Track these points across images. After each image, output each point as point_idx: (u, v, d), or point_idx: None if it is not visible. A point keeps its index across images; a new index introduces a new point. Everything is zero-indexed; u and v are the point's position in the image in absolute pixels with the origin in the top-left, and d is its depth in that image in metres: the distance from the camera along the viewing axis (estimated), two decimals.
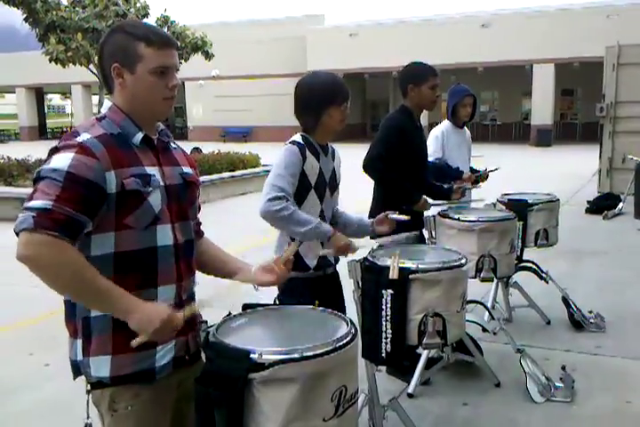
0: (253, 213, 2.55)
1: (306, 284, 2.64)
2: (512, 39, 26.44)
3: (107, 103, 1.80)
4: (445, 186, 4.17)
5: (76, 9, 14.63)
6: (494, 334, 4.14)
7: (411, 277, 2.52)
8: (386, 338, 2.56)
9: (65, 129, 41.69)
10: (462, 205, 4.13)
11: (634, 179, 9.61)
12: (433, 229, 3.82)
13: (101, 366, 1.71)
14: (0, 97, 50.39)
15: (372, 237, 2.99)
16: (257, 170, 13.73)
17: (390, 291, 2.52)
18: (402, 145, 3.61)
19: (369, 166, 3.59)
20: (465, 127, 4.67)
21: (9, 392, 3.80)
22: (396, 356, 2.60)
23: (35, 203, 1.53)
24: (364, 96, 34.31)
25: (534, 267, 4.89)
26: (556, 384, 3.60)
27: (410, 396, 3.59)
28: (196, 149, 16.33)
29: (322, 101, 2.63)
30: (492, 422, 3.35)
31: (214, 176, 12.46)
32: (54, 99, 69.25)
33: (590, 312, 4.77)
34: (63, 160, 1.59)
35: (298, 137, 2.69)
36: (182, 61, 16.17)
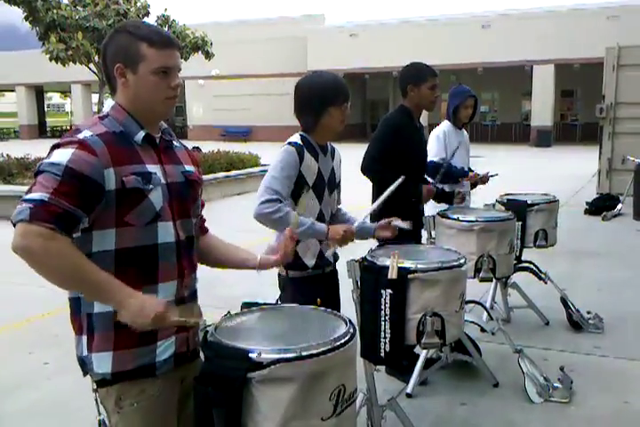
0: (252, 212, 2.55)
1: (305, 283, 2.65)
2: (512, 40, 26.46)
3: (109, 102, 1.82)
4: (446, 188, 4.17)
5: (77, 8, 14.63)
6: (493, 334, 4.14)
7: (409, 276, 2.52)
8: (384, 338, 2.56)
9: (65, 128, 41.71)
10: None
11: (633, 180, 9.63)
12: (432, 229, 3.83)
13: (103, 361, 1.72)
14: (0, 95, 50.37)
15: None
16: (256, 169, 13.74)
17: (389, 291, 2.52)
18: (398, 144, 3.61)
19: (367, 169, 3.59)
20: (463, 129, 4.67)
21: (9, 391, 3.80)
22: (395, 356, 2.61)
23: (32, 195, 1.55)
24: (364, 96, 34.32)
25: (533, 267, 4.89)
26: (555, 385, 3.61)
27: (408, 396, 3.59)
28: (196, 149, 16.33)
29: (322, 101, 2.63)
30: (490, 423, 3.35)
31: (214, 175, 12.48)
32: (54, 97, 69.23)
33: (589, 313, 4.78)
34: (63, 155, 1.62)
35: (296, 137, 2.69)
36: (182, 61, 16.08)
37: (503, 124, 32.24)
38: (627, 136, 11.12)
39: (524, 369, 3.65)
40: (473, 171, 4.60)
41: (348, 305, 2.73)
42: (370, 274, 2.60)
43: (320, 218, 2.71)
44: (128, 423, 1.77)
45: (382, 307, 2.54)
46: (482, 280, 3.80)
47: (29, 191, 1.57)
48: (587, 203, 10.08)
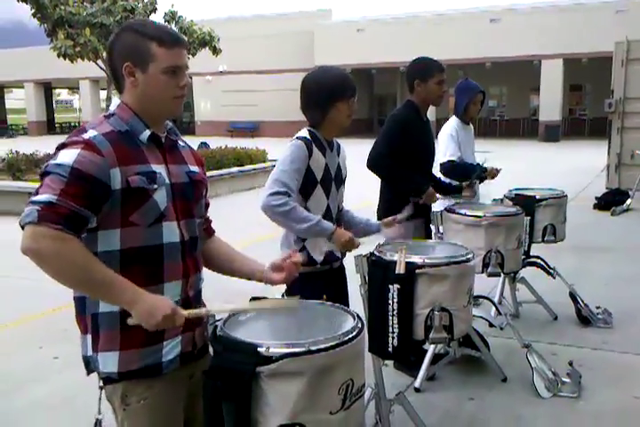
0: (258, 204, 2.56)
1: (313, 278, 2.65)
2: (521, 34, 26.31)
3: (115, 101, 1.82)
4: (453, 183, 4.17)
5: (84, 4, 14.65)
6: (501, 329, 4.14)
7: (417, 271, 2.52)
8: (392, 333, 2.57)
9: (73, 124, 41.87)
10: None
11: None
12: (440, 225, 3.82)
13: (109, 361, 1.72)
14: (9, 92, 50.57)
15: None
16: (264, 165, 13.76)
17: (397, 286, 2.52)
18: (405, 139, 3.60)
19: (373, 165, 3.58)
20: (470, 123, 4.66)
21: (19, 385, 3.83)
22: (403, 350, 2.61)
23: (40, 197, 1.56)
24: (372, 91, 34.25)
25: (541, 262, 4.88)
26: (563, 379, 3.60)
27: (416, 390, 3.60)
28: (204, 144, 16.36)
29: (329, 96, 2.63)
30: (498, 417, 3.36)
31: (222, 171, 12.50)
32: (62, 94, 69.42)
33: (598, 308, 4.76)
34: (69, 156, 1.61)
35: (304, 132, 2.70)
36: (190, 56, 16.15)
37: (511, 119, 32.11)
38: (636, 131, 11.05)
39: (533, 364, 3.65)
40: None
41: (356, 300, 2.73)
42: (378, 269, 2.60)
43: (327, 213, 2.72)
44: (134, 420, 1.77)
45: (390, 302, 2.55)
46: (490, 275, 3.79)
47: (36, 193, 1.58)
48: (596, 198, 10.04)
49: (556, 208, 4.62)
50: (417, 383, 3.63)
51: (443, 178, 4.20)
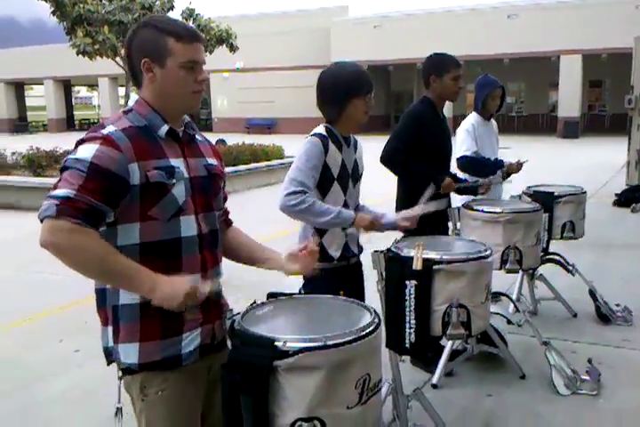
0: (277, 204, 2.57)
1: (330, 274, 2.65)
2: (539, 30, 26.06)
3: (134, 97, 1.83)
4: (470, 180, 4.15)
5: (103, 2, 14.74)
6: (519, 326, 4.11)
7: (434, 267, 2.51)
8: (410, 328, 2.56)
9: (92, 121, 42.24)
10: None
11: None
12: (457, 221, 3.81)
13: (130, 353, 1.74)
14: (29, 89, 51.13)
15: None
16: (281, 161, 13.79)
17: (414, 282, 2.52)
18: (421, 135, 3.58)
19: (386, 160, 3.57)
20: (492, 119, 4.63)
21: (40, 378, 3.88)
22: (420, 346, 2.61)
23: (58, 191, 1.58)
24: (389, 88, 34.13)
25: (560, 259, 4.85)
26: (582, 377, 3.58)
27: (434, 387, 3.59)
28: (221, 141, 16.42)
29: (346, 92, 2.62)
30: (516, 415, 3.34)
31: (239, 167, 12.55)
32: (81, 91, 70.02)
33: (617, 305, 4.72)
34: (88, 151, 1.63)
35: (321, 128, 2.69)
36: (207, 54, 16.20)
37: (530, 116, 31.84)
38: None
39: (552, 361, 3.63)
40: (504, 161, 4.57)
41: (373, 296, 2.73)
42: (394, 265, 2.59)
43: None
44: (152, 411, 1.79)
45: (407, 298, 2.54)
46: (508, 272, 3.76)
47: (55, 188, 1.60)
48: (615, 194, 9.94)
49: (575, 205, 4.58)
50: (434, 379, 3.62)
51: (460, 174, 4.18)
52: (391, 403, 2.89)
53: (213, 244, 1.88)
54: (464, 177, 4.18)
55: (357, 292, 2.82)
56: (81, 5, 14.24)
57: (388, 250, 2.67)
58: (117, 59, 14.98)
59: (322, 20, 30.89)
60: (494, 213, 3.69)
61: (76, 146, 1.69)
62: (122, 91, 24.49)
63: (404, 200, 3.69)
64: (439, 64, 3.68)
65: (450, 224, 3.87)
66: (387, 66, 30.39)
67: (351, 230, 2.68)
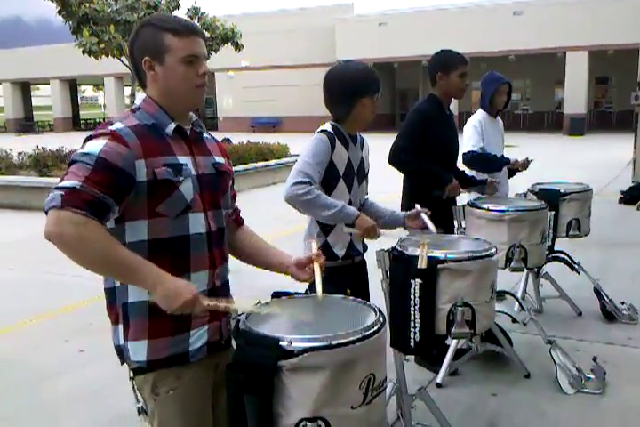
0: (282, 202, 2.57)
1: (334, 273, 2.65)
2: (545, 26, 25.96)
3: (141, 95, 1.84)
4: (477, 177, 4.14)
5: (109, 1, 14.78)
6: (524, 324, 4.11)
7: (439, 266, 2.51)
8: (414, 327, 2.56)
9: (98, 120, 42.34)
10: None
11: None
12: (462, 219, 3.80)
13: (139, 350, 1.76)
14: (35, 89, 51.27)
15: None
16: (286, 160, 13.79)
17: (419, 280, 2.51)
18: (428, 133, 3.58)
19: (394, 159, 3.56)
20: (498, 117, 4.62)
21: (45, 378, 3.90)
22: (425, 345, 2.60)
23: (64, 183, 1.59)
24: (394, 86, 34.07)
25: (566, 257, 4.83)
26: (587, 376, 3.57)
27: (438, 386, 3.59)
28: (226, 140, 16.44)
29: (355, 92, 2.63)
30: (521, 413, 3.34)
31: (244, 166, 12.56)
32: (87, 90, 70.19)
33: (623, 304, 4.71)
34: (96, 146, 1.65)
35: (328, 126, 2.70)
36: (212, 52, 16.23)
37: (536, 113, 31.74)
38: None
39: (556, 360, 3.62)
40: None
41: (378, 295, 2.73)
42: (399, 264, 2.59)
43: None
44: (165, 410, 1.80)
45: (412, 297, 2.54)
46: (513, 270, 3.76)
47: (62, 180, 1.61)
48: (621, 192, 9.90)
49: (580, 202, 4.56)
50: (439, 379, 3.62)
51: (467, 171, 4.17)
52: (395, 402, 2.89)
53: (221, 241, 1.89)
54: (471, 174, 4.18)
55: (362, 291, 2.83)
56: (87, 4, 14.28)
57: (393, 249, 2.66)
58: (123, 58, 15.00)
59: (326, 18, 30.86)
60: (499, 211, 3.68)
61: (85, 142, 1.70)
62: (128, 90, 24.50)
63: (410, 198, 3.69)
64: (446, 61, 3.67)
65: (454, 222, 3.87)
66: (392, 64, 30.34)
67: (350, 230, 2.65)
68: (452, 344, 3.70)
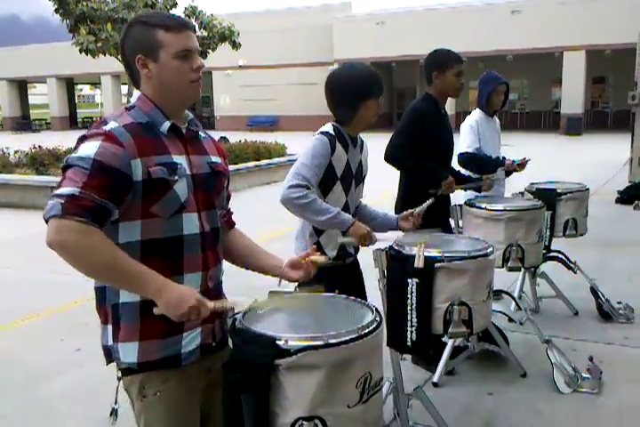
0: (278, 202, 2.57)
1: (325, 274, 2.65)
2: (542, 26, 26.00)
3: (136, 93, 1.82)
4: (473, 176, 4.15)
5: (106, 0, 14.76)
6: (521, 324, 4.11)
7: (436, 266, 2.51)
8: (411, 327, 2.57)
9: (95, 119, 42.30)
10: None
11: None
12: (459, 219, 3.81)
13: (129, 351, 1.74)
14: (32, 87, 51.14)
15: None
16: (283, 159, 13.78)
17: (416, 280, 2.52)
18: (423, 132, 3.58)
19: (390, 156, 3.57)
20: (495, 116, 4.62)
21: (41, 377, 3.90)
22: (422, 345, 2.61)
23: (63, 190, 1.56)
24: (392, 85, 34.04)
25: (562, 257, 4.84)
26: (584, 375, 3.58)
27: (435, 385, 3.59)
28: (223, 139, 16.44)
29: (360, 94, 2.63)
30: (517, 413, 3.34)
31: (240, 165, 12.54)
32: (84, 89, 70.06)
33: (619, 303, 4.71)
34: (90, 148, 1.62)
35: (329, 127, 2.69)
36: (210, 51, 16.23)
37: (533, 112, 31.77)
38: None
39: (553, 359, 3.63)
40: (506, 158, 4.56)
41: (375, 294, 2.73)
42: (396, 263, 2.60)
43: (345, 210, 2.71)
44: (151, 411, 1.79)
45: (409, 296, 2.54)
46: (510, 270, 3.77)
47: (59, 186, 1.59)
48: (618, 191, 9.91)
49: (577, 202, 4.57)
50: (435, 378, 3.62)
51: (462, 171, 4.17)
52: (392, 402, 2.89)
53: (215, 242, 1.87)
54: (467, 174, 4.18)
55: (358, 290, 2.83)
56: (84, 3, 14.28)
57: (390, 248, 2.67)
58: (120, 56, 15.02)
59: (324, 17, 30.84)
60: (496, 210, 3.68)
61: (78, 142, 1.68)
62: (125, 88, 24.55)
63: (406, 198, 3.70)
64: (441, 60, 3.67)
65: (451, 222, 3.87)
66: (389, 63, 30.33)
67: (346, 240, 2.64)
68: (449, 343, 3.71)
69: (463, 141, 4.27)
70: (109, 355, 1.79)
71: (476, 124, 4.34)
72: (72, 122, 41.20)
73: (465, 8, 28.65)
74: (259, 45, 29.96)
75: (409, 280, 2.53)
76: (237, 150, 13.42)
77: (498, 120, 4.69)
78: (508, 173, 4.54)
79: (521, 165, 4.46)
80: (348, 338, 1.58)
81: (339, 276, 2.68)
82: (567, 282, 4.97)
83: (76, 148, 1.67)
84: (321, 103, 2.78)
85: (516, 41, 26.52)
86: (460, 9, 28.72)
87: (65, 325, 4.83)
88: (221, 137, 16.75)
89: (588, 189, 4.72)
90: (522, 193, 4.52)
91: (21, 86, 43.09)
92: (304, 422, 1.57)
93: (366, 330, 1.63)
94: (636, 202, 9.33)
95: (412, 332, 2.58)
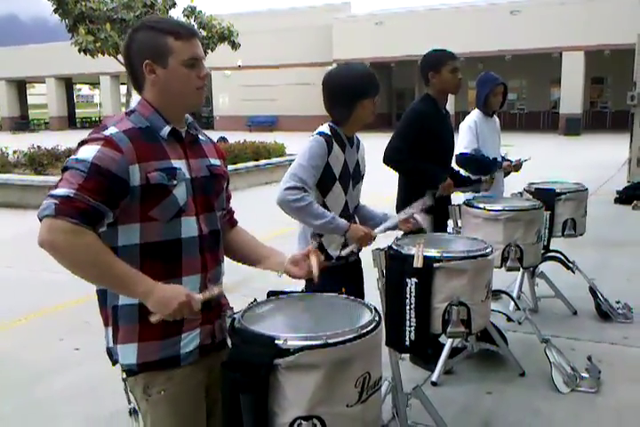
0: (274, 197, 2.57)
1: (329, 273, 2.65)
2: (541, 26, 26.01)
3: (136, 97, 1.83)
4: (472, 177, 4.15)
5: (105, 0, 14.76)
6: (519, 323, 4.12)
7: (435, 265, 2.52)
8: (410, 326, 2.57)
9: (94, 119, 42.30)
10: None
11: None
12: (458, 219, 3.81)
13: (128, 353, 1.75)
14: (30, 87, 51.10)
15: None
16: (282, 159, 13.77)
17: (414, 279, 2.52)
18: (423, 132, 3.59)
19: (389, 159, 3.58)
20: (494, 116, 4.63)
21: (41, 376, 3.89)
22: (420, 344, 2.61)
23: (58, 191, 1.58)
24: (390, 85, 34.06)
25: (561, 257, 4.84)
26: (582, 375, 3.58)
27: (433, 384, 3.60)
28: (223, 139, 16.44)
29: (357, 94, 2.63)
30: (515, 412, 3.35)
31: (239, 165, 12.55)
32: (83, 89, 70.04)
33: (618, 303, 4.72)
34: (89, 152, 1.64)
35: (325, 127, 2.70)
36: (209, 51, 16.23)
37: (531, 112, 31.78)
38: None
39: (551, 359, 3.63)
40: (505, 159, 4.56)
41: (374, 294, 2.74)
42: (395, 263, 2.60)
43: (345, 210, 2.72)
44: (157, 411, 1.79)
45: (408, 296, 2.55)
46: (509, 270, 3.77)
47: (55, 187, 1.61)
48: (617, 192, 9.92)
49: (576, 202, 4.58)
50: (434, 377, 3.63)
51: (461, 171, 4.18)
52: (391, 401, 2.90)
53: (214, 244, 1.88)
54: (466, 174, 4.18)
55: (357, 290, 2.83)
56: (83, 3, 14.28)
57: (389, 248, 2.67)
58: (119, 56, 15.00)
59: (324, 18, 30.84)
60: (495, 210, 3.69)
61: (78, 146, 1.69)
62: (123, 89, 24.54)
63: (405, 199, 3.70)
64: (435, 59, 3.70)
65: (450, 222, 3.88)
66: (388, 63, 30.34)
67: (348, 251, 2.63)
68: (448, 343, 3.71)
69: (461, 142, 4.27)
70: (112, 357, 1.81)
71: (475, 125, 4.35)
72: (71, 122, 41.17)
73: (464, 8, 28.66)
74: (258, 45, 29.95)
75: (408, 280, 2.53)
76: (236, 150, 13.42)
77: (497, 120, 4.69)
78: (507, 173, 4.55)
79: (516, 167, 4.47)
80: (346, 338, 1.58)
81: (342, 275, 2.69)
82: (566, 282, 4.97)
83: (75, 152, 1.68)
84: (320, 103, 2.79)
85: (515, 41, 26.52)
86: (458, 9, 28.72)
87: (64, 324, 4.83)
88: (220, 137, 16.74)
89: (586, 190, 4.72)
90: (521, 193, 4.52)
91: (20, 86, 43.06)
92: (303, 422, 1.57)
93: (365, 330, 1.64)
94: (635, 202, 9.34)
95: (410, 331, 2.58)
